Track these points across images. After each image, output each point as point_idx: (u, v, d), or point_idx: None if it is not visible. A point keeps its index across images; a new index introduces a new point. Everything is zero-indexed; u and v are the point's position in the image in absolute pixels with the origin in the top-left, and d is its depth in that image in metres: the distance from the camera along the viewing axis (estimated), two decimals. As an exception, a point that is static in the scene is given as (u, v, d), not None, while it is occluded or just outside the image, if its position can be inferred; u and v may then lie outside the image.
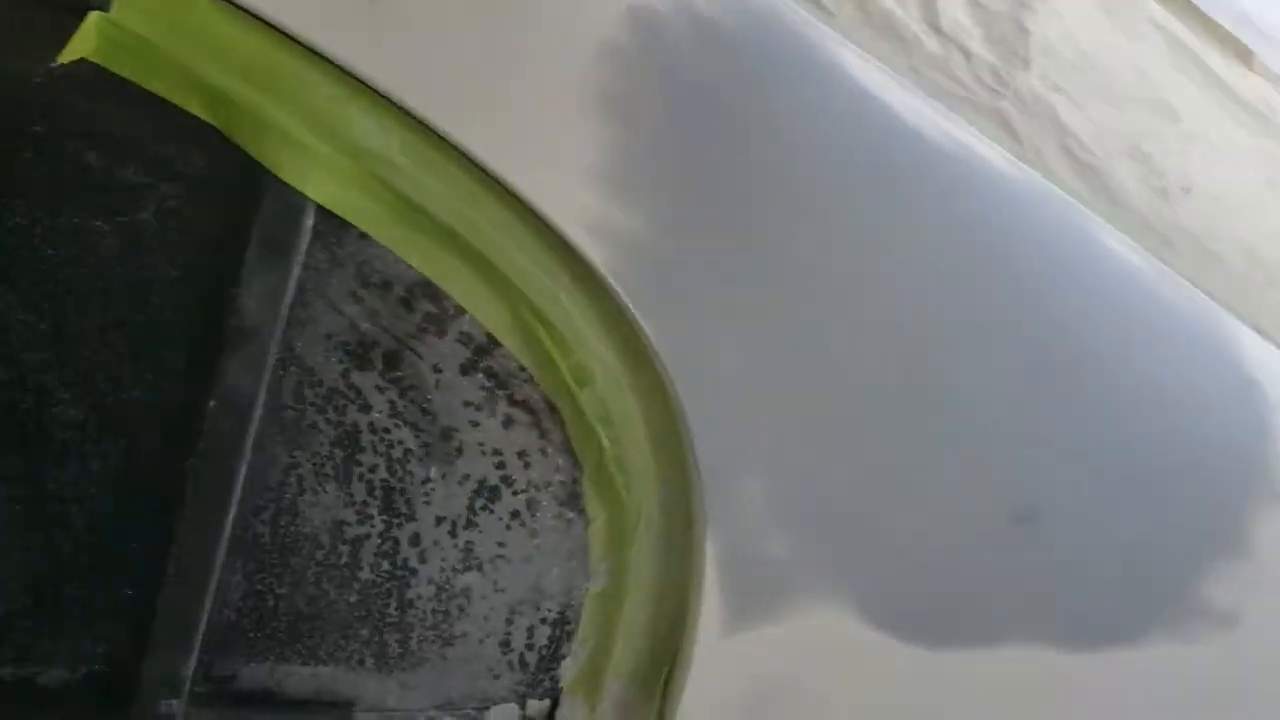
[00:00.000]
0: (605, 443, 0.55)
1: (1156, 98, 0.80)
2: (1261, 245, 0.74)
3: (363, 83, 0.50)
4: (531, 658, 0.60)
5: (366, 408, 0.54)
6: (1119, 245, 0.63)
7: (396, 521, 0.56)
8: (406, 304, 0.53)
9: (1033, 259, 0.60)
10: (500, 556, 0.57)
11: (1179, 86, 0.85)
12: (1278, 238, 0.77)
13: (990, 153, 0.60)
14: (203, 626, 0.53)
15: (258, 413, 0.53)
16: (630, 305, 0.53)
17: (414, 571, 0.57)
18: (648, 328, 0.53)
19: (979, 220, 0.58)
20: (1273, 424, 0.65)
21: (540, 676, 0.60)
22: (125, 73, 0.47)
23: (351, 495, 0.55)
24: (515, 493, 0.56)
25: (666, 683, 0.60)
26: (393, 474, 0.55)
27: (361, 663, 0.58)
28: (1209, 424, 0.64)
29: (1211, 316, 0.65)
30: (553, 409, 0.55)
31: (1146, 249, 0.66)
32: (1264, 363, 0.66)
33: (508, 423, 0.55)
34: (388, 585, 0.57)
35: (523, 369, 0.54)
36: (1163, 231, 0.68)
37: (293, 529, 0.55)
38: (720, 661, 0.59)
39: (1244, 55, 1.04)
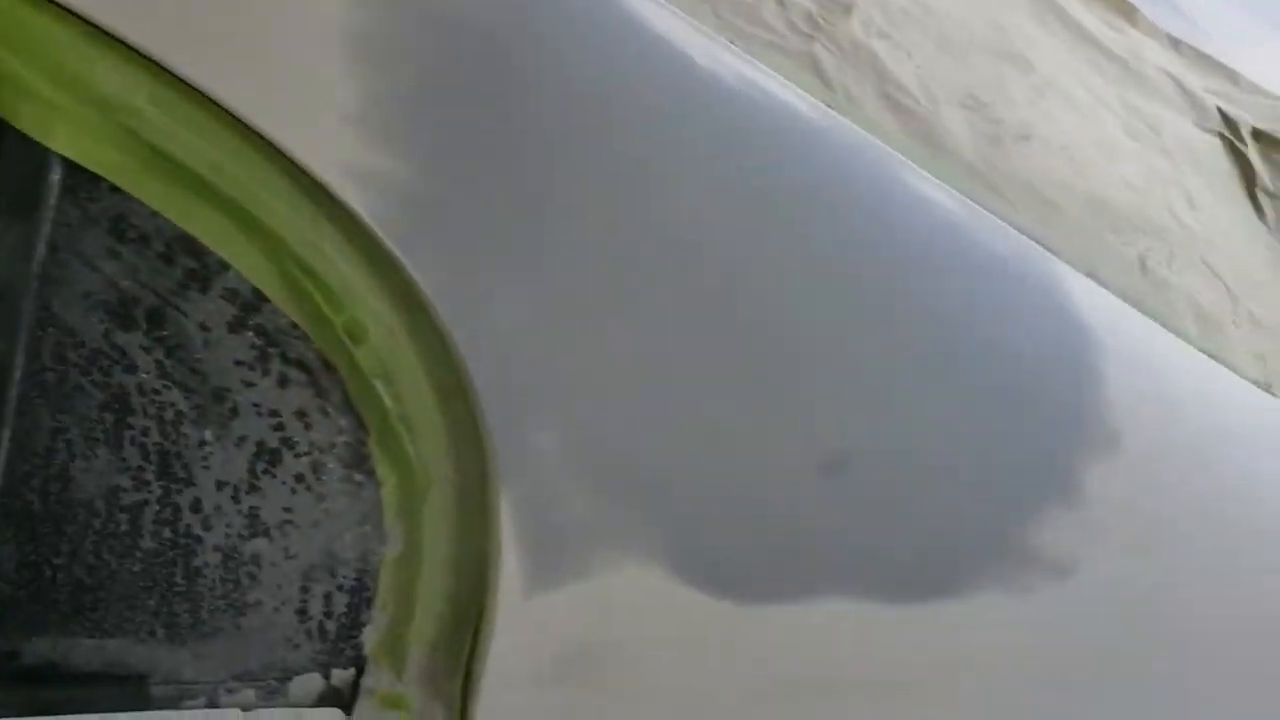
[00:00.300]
0: (387, 400, 0.54)
1: (1008, 49, 0.79)
2: (1109, 193, 0.73)
3: (104, 32, 0.48)
4: (331, 626, 0.58)
5: (133, 368, 0.52)
6: (937, 192, 0.62)
7: (175, 487, 0.54)
8: (167, 259, 0.51)
9: (836, 202, 0.58)
10: (288, 522, 0.56)
11: (1037, 40, 0.84)
12: (1128, 186, 0.75)
13: (791, 97, 0.58)
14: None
15: (16, 376, 0.51)
16: (400, 255, 0.51)
17: (198, 539, 0.55)
18: (420, 279, 0.52)
19: (774, 163, 0.56)
20: (1103, 370, 0.63)
21: (342, 645, 0.59)
22: None
23: (125, 460, 0.53)
24: (298, 455, 0.55)
25: (472, 647, 0.58)
26: (166, 437, 0.53)
27: (152, 634, 0.56)
28: (1035, 370, 0.62)
29: (1039, 263, 0.64)
30: (330, 367, 0.53)
31: (970, 196, 0.65)
32: (1096, 309, 0.65)
33: (283, 382, 0.54)
34: (171, 553, 0.55)
35: (294, 326, 0.52)
36: (991, 179, 0.66)
37: (65, 496, 0.53)
38: (524, 623, 0.58)
39: (1128, 12, 1.03)
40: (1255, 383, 0.74)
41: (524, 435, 0.55)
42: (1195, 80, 1.05)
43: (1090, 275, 0.68)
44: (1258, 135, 0.97)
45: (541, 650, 0.59)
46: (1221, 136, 0.96)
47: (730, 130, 0.55)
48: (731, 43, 0.59)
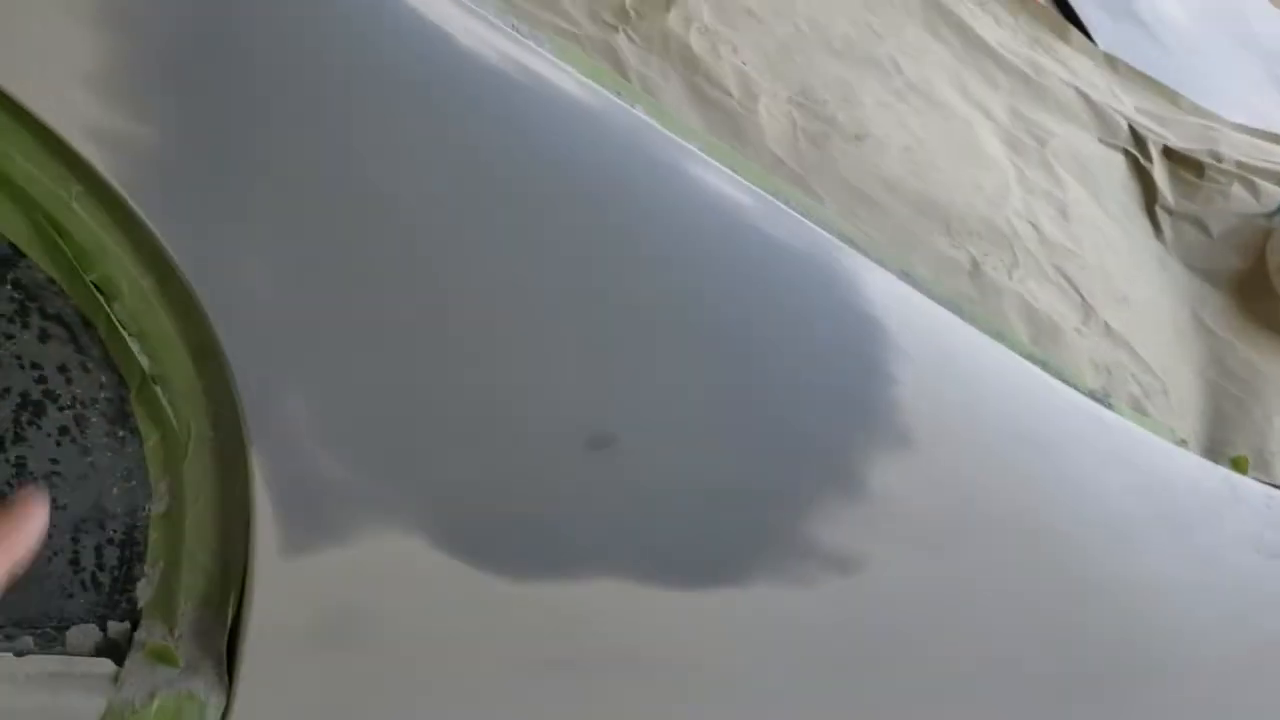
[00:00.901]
0: (143, 359, 0.56)
1: (873, 53, 0.79)
2: (951, 197, 0.73)
3: None
4: (105, 578, 0.60)
5: (-103, 318, 0.55)
6: (724, 183, 0.63)
7: (-58, 434, 0.57)
8: (-74, 213, 0.54)
9: (601, 186, 0.59)
10: (55, 473, 0.58)
11: (919, 46, 0.84)
12: (978, 192, 0.75)
13: (565, 81, 0.59)
14: None
15: None
16: (144, 216, 0.53)
17: (-31, 485, 0.58)
18: (165, 239, 0.54)
19: (532, 144, 0.58)
20: (892, 366, 0.63)
21: (117, 598, 0.61)
22: None
23: (-105, 407, 0.56)
24: (61, 409, 0.57)
25: (238, 605, 0.60)
26: (-68, 385, 0.56)
27: (-70, 577, 0.59)
28: (817, 364, 0.62)
29: (832, 258, 0.64)
30: (88, 323, 0.55)
31: (768, 190, 0.65)
32: (895, 308, 0.65)
33: (44, 336, 0.56)
34: (-55, 498, 0.58)
35: (52, 281, 0.55)
36: (800, 174, 0.67)
37: None
38: (283, 585, 0.59)
39: (1060, 30, 1.03)
40: (1091, 392, 0.73)
41: (274, 399, 0.57)
42: (1127, 100, 1.04)
43: (903, 274, 0.68)
44: (1169, 153, 0.96)
45: (302, 612, 0.61)
46: (1126, 153, 0.94)
47: (486, 107, 0.57)
48: (515, 27, 0.60)
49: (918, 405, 0.63)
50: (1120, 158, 0.93)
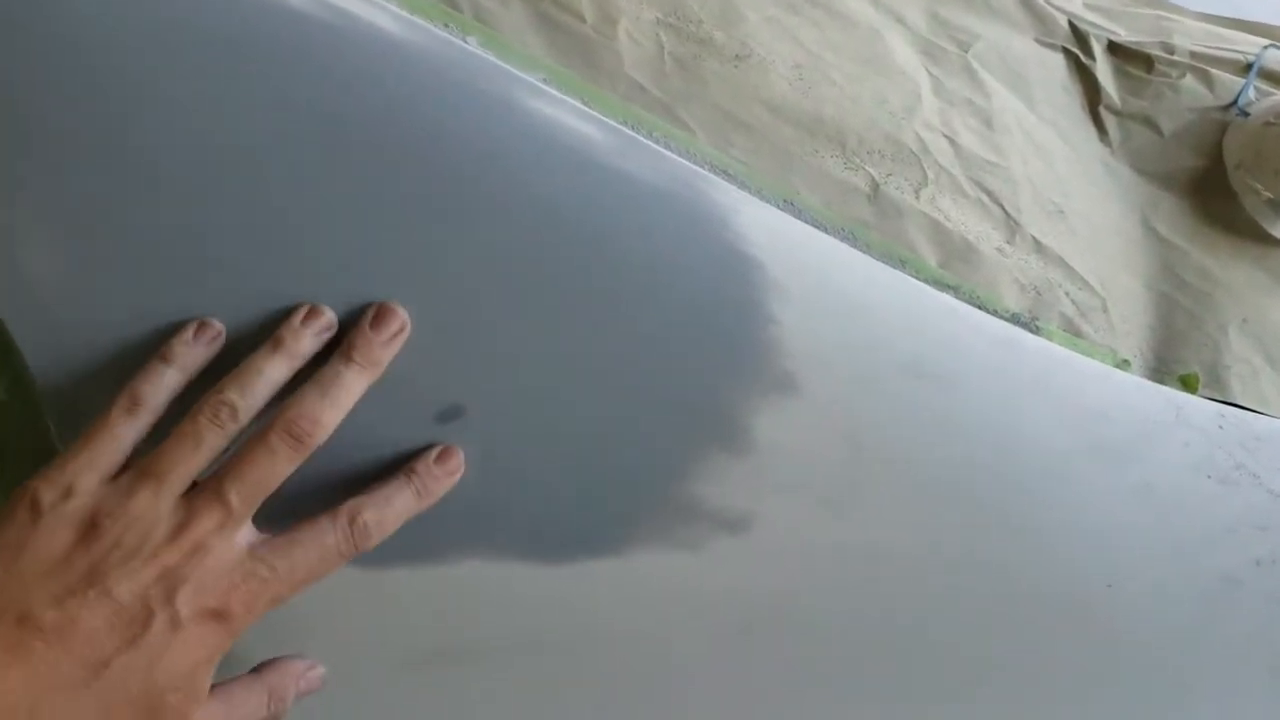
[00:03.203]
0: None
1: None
2: (845, 117, 0.67)
3: None
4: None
5: None
6: (572, 117, 0.57)
7: None
8: None
9: (427, 132, 0.53)
10: None
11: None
12: (881, 107, 0.69)
13: (380, 18, 0.54)
14: None
15: None
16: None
17: None
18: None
19: (342, 90, 0.52)
20: (770, 306, 0.57)
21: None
22: None
23: None
24: None
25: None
26: None
27: None
28: (687, 310, 0.57)
29: (699, 192, 0.58)
30: None
31: (625, 120, 0.59)
32: (769, 241, 0.58)
33: None
34: None
35: None
36: (665, 101, 0.60)
37: None
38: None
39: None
40: (1013, 316, 0.67)
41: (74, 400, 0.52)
42: (1076, -5, 0.96)
43: (786, 204, 0.62)
44: (1114, 49, 0.88)
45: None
46: (1066, 52, 0.87)
47: (286, 52, 0.51)
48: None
49: (801, 346, 0.57)
50: (1059, 58, 0.86)
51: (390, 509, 0.50)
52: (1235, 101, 0.85)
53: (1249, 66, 0.88)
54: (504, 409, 0.55)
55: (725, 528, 0.58)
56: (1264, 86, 0.87)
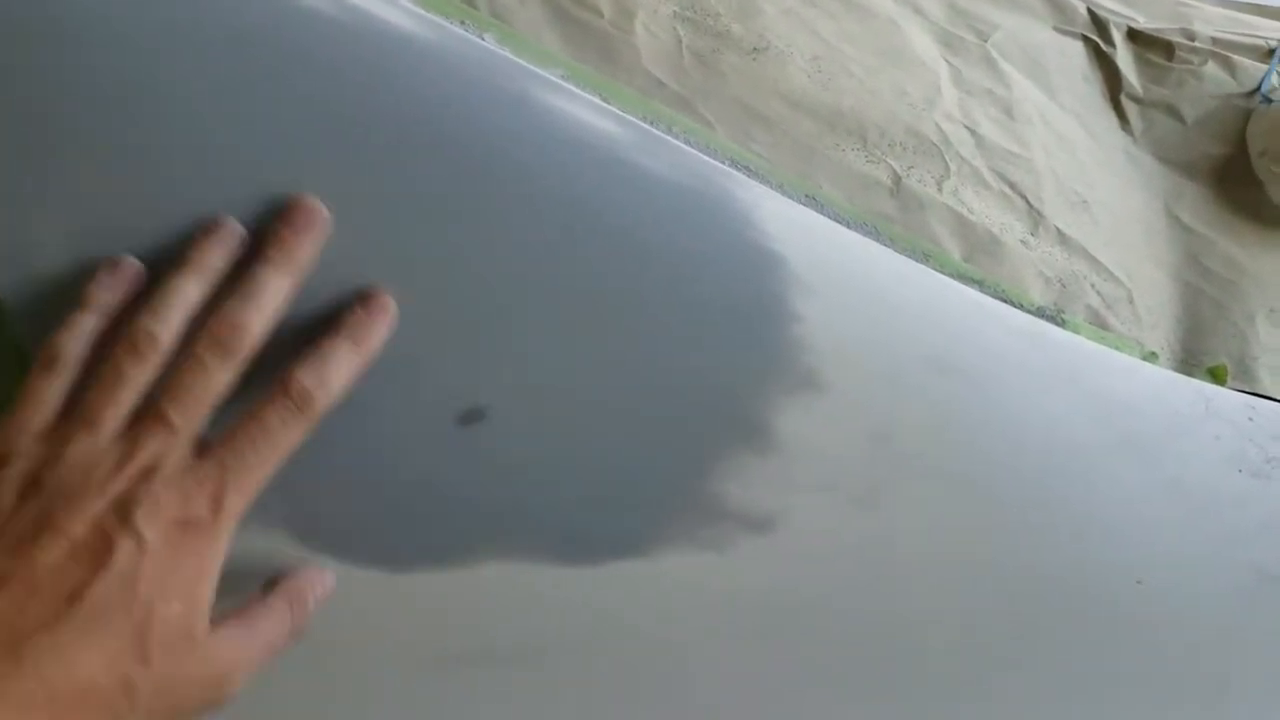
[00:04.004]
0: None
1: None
2: (866, 109, 0.66)
3: None
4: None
5: None
6: (591, 114, 0.56)
7: None
8: None
9: (447, 130, 0.53)
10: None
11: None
12: (901, 99, 0.68)
13: (398, 16, 0.53)
14: None
15: None
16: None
17: None
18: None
19: (359, 89, 0.51)
20: (794, 303, 0.56)
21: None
22: None
23: None
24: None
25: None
26: None
27: None
28: (709, 308, 0.56)
29: (718, 188, 0.57)
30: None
31: (645, 115, 0.59)
32: (792, 237, 0.58)
33: None
34: None
35: None
36: (685, 96, 0.60)
37: None
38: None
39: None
40: (1039, 309, 0.66)
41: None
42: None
43: (808, 199, 0.61)
44: (1134, 36, 0.87)
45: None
46: (1085, 40, 0.86)
47: (303, 52, 0.50)
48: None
49: (825, 342, 0.57)
50: (1079, 46, 0.85)
51: (326, 366, 0.48)
52: (1259, 88, 0.84)
53: (1271, 52, 0.86)
54: (526, 410, 0.54)
55: (750, 527, 0.58)
56: (1288, 72, 0.85)
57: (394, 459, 0.54)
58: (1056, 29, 0.85)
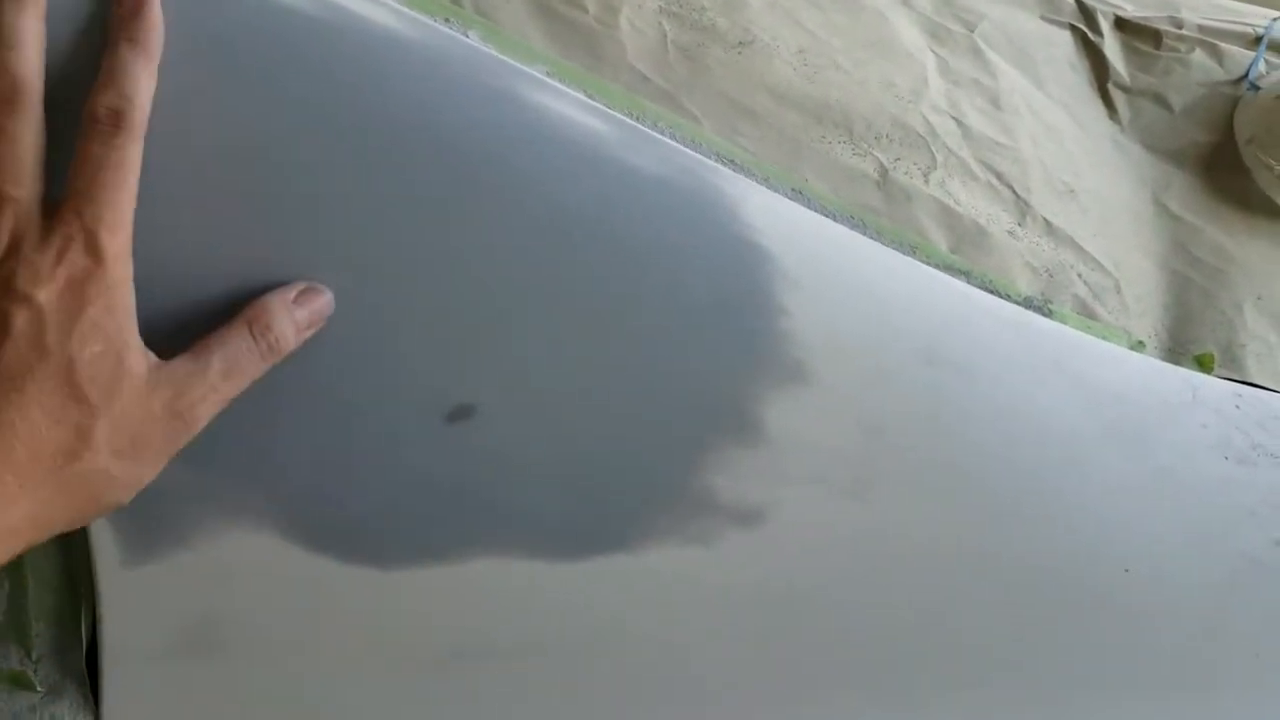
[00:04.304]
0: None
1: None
2: (851, 101, 0.66)
3: None
4: (-54, 605, 0.56)
5: None
6: (577, 110, 0.56)
7: None
8: None
9: (433, 128, 0.53)
10: None
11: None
12: (887, 90, 0.68)
13: (382, 14, 0.53)
14: None
15: None
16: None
17: None
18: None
19: (344, 87, 0.51)
20: (780, 296, 0.57)
21: (-37, 625, 0.56)
22: None
23: None
24: None
25: (92, 621, 0.56)
26: None
27: None
28: (696, 302, 0.56)
29: (704, 183, 0.57)
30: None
31: (630, 111, 0.59)
32: (778, 231, 0.58)
33: None
34: None
35: None
36: (669, 91, 0.60)
37: None
38: (131, 595, 0.55)
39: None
40: (1026, 299, 0.66)
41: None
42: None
43: (794, 193, 0.61)
44: (1121, 24, 0.87)
45: (158, 622, 0.56)
46: (1073, 29, 0.86)
47: (286, 51, 0.50)
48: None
49: (812, 336, 0.57)
50: (1066, 35, 0.85)
51: (118, 77, 0.47)
52: (1246, 75, 0.84)
53: (1259, 39, 0.86)
54: (513, 406, 0.55)
55: (738, 521, 0.58)
56: (1275, 59, 0.85)
57: (382, 457, 0.54)
58: (1044, 18, 0.85)
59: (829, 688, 0.62)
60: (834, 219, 0.61)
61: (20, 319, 0.44)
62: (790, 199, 0.60)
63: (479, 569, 0.56)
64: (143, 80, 0.47)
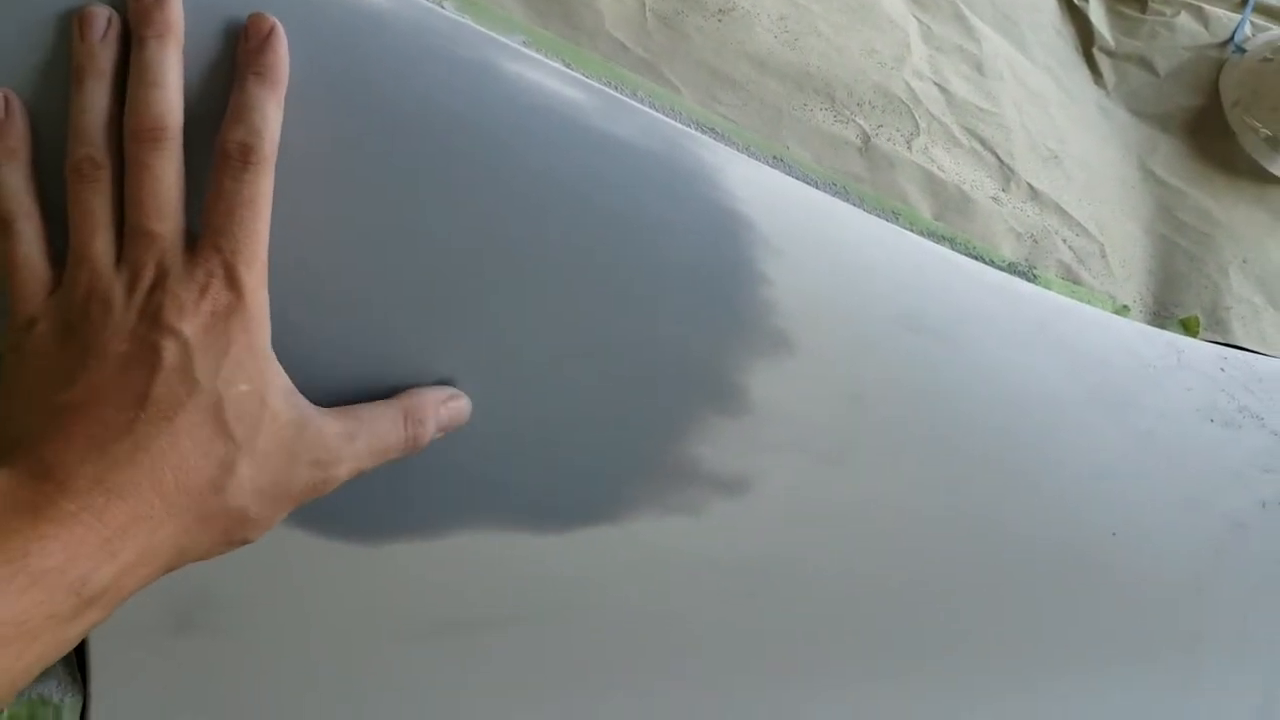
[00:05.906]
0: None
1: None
2: (833, 69, 0.65)
3: None
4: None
5: None
6: (555, 80, 0.55)
7: None
8: None
9: (408, 100, 0.52)
10: None
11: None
12: (869, 57, 0.67)
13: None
14: None
15: None
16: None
17: None
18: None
19: (315, 61, 0.51)
20: (762, 265, 0.56)
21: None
22: None
23: None
24: None
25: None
26: None
27: None
28: (678, 272, 0.56)
29: (684, 151, 0.57)
30: None
31: (608, 80, 0.58)
32: (759, 199, 0.57)
33: None
34: None
35: None
36: (648, 60, 0.59)
37: None
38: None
39: None
40: (1010, 265, 0.66)
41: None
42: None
43: (776, 161, 0.61)
44: (1106, -12, 0.86)
45: (145, 600, 0.56)
46: (1057, -6, 0.85)
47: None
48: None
49: (795, 304, 0.57)
50: (1051, 1, 0.84)
51: (246, 112, 0.48)
52: (1231, 38, 0.84)
53: (1244, 1, 0.86)
54: (495, 379, 0.54)
55: (723, 490, 0.58)
56: (1260, 21, 0.85)
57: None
58: (1028, -17, 0.84)
59: (816, 653, 0.62)
60: (816, 186, 0.60)
61: (169, 351, 0.44)
62: (772, 167, 0.60)
63: (465, 542, 0.56)
64: (271, 113, 0.48)
